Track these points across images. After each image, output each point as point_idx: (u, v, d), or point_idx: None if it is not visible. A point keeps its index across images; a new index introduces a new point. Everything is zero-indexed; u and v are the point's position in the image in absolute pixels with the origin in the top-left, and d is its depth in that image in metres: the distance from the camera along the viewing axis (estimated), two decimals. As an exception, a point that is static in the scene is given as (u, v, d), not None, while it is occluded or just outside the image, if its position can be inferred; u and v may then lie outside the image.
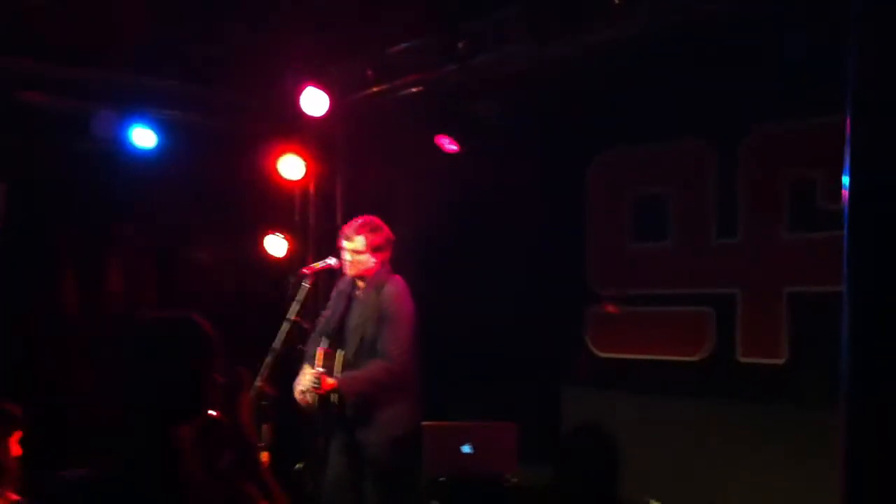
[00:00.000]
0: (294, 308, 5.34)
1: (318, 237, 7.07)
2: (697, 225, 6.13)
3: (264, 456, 4.97)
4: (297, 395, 5.36)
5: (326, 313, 5.73)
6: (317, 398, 5.29)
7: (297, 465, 5.74)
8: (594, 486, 6.42)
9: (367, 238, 5.46)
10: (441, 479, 5.44)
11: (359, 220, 5.56)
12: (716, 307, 5.96)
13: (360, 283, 5.55)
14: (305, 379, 5.32)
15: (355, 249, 5.46)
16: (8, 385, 6.04)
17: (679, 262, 6.23)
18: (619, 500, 6.26)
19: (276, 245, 7.04)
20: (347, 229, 5.56)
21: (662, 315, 6.30)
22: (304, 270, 5.52)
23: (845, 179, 4.14)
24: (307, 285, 5.41)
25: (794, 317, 5.55)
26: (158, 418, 2.28)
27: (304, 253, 6.95)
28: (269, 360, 5.16)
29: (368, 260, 5.47)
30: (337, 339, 5.49)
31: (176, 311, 2.42)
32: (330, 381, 5.29)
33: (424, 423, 5.47)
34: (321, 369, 5.31)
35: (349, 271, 5.52)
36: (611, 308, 6.61)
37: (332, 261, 5.53)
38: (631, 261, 6.52)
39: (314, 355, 5.40)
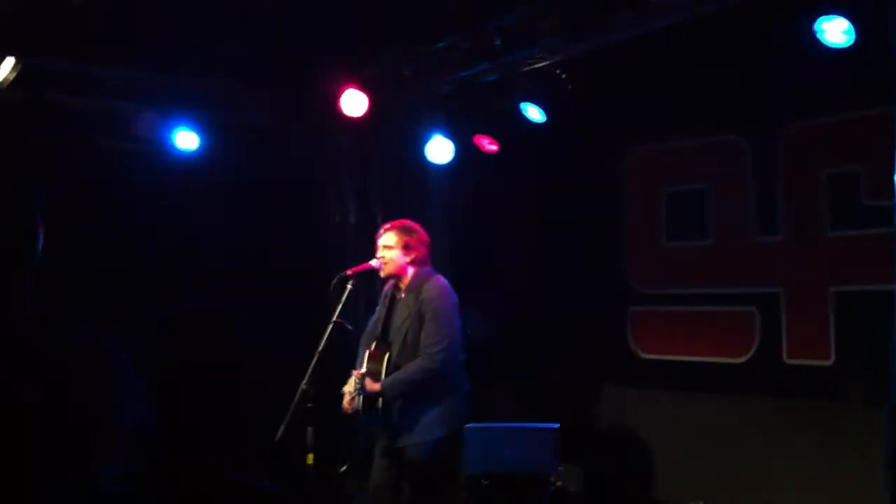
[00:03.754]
0: (337, 310, 5.35)
1: (357, 238, 7.04)
2: (737, 222, 6.04)
3: (308, 458, 4.99)
4: (344, 403, 5.40)
5: (374, 317, 5.77)
6: (362, 402, 5.31)
7: (342, 468, 5.74)
8: (637, 488, 6.37)
9: (397, 235, 5.51)
10: (484, 480, 5.42)
11: (393, 221, 5.60)
12: (759, 307, 5.88)
13: (402, 286, 5.57)
14: (350, 382, 5.35)
15: (385, 245, 5.53)
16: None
17: (720, 261, 6.14)
18: (662, 502, 6.21)
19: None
20: (381, 228, 5.64)
21: (705, 315, 6.23)
22: (346, 272, 5.53)
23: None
24: (349, 287, 5.42)
25: (841, 317, 5.45)
26: (185, 415, 2.20)
27: (343, 255, 6.93)
28: (312, 362, 5.17)
29: (400, 257, 5.50)
30: (383, 341, 5.53)
31: (204, 306, 2.30)
32: (374, 385, 5.31)
33: (467, 424, 5.47)
34: (364, 371, 5.34)
35: (383, 271, 5.55)
36: None
37: (373, 263, 5.55)
38: (671, 259, 6.45)
39: (362, 358, 5.45)
